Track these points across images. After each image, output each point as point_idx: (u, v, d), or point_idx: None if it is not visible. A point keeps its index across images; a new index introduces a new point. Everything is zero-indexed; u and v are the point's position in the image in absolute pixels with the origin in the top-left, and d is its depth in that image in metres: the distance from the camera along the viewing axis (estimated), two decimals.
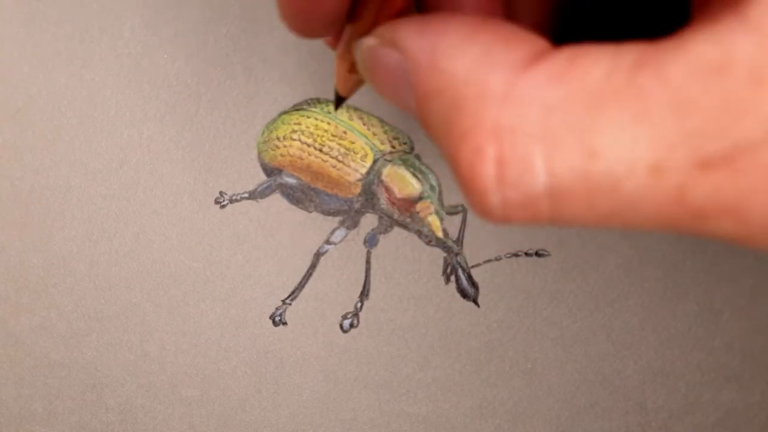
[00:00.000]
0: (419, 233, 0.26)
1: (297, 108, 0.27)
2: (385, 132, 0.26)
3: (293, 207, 0.27)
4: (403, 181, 0.26)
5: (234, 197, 0.27)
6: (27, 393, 0.27)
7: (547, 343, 0.26)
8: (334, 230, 0.27)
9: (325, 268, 0.27)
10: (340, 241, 0.26)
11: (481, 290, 0.26)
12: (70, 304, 0.27)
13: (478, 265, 0.26)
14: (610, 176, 0.10)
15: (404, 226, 0.26)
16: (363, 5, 0.14)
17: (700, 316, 0.26)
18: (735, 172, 0.10)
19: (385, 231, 0.26)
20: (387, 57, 0.13)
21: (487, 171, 0.11)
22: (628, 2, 0.17)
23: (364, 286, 0.26)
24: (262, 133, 0.27)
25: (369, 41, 0.14)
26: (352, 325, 0.26)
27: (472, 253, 0.26)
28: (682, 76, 0.10)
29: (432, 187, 0.26)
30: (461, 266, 0.26)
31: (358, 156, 0.26)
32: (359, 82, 0.16)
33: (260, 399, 0.26)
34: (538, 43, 0.12)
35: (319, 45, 0.26)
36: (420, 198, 0.26)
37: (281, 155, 0.26)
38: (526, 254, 0.26)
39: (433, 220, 0.26)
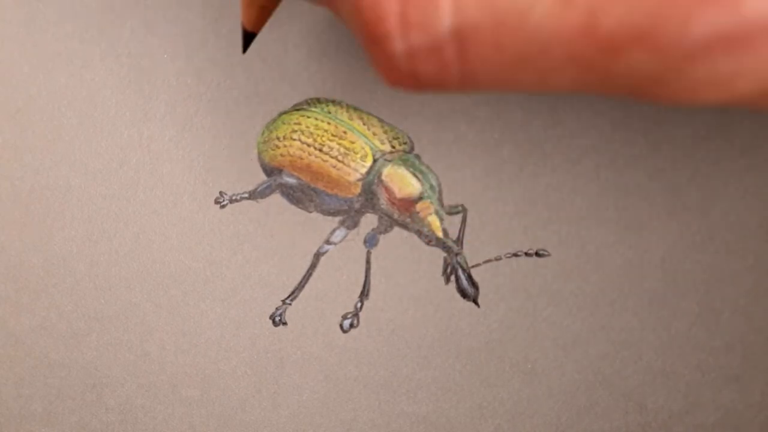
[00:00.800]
0: (419, 233, 0.26)
1: (297, 108, 0.27)
2: (385, 132, 0.26)
3: (293, 207, 0.27)
4: (403, 181, 0.26)
5: (234, 197, 0.27)
6: (27, 393, 0.27)
7: (547, 343, 0.26)
8: (334, 230, 0.27)
9: (325, 268, 0.27)
10: (340, 241, 0.26)
11: (481, 290, 0.26)
12: (70, 304, 0.27)
13: (478, 265, 0.26)
14: (517, 5, 0.10)
15: (404, 226, 0.26)
16: None
17: (700, 316, 0.26)
18: None
19: (385, 231, 0.26)
20: None
21: (390, 8, 0.10)
22: None
23: (364, 286, 0.26)
24: (262, 133, 0.27)
25: None
26: (352, 325, 0.26)
27: (472, 253, 0.26)
28: None
29: (432, 187, 0.26)
30: (461, 266, 0.26)
31: (358, 156, 0.26)
32: (264, 9, 0.15)
33: (260, 399, 0.26)
34: None
35: (319, 45, 0.26)
36: (420, 198, 0.26)
37: (281, 155, 0.26)
38: (526, 254, 0.26)
39: (433, 220, 0.26)
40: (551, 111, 0.26)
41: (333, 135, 0.26)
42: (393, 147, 0.26)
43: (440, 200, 0.26)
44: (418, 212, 0.26)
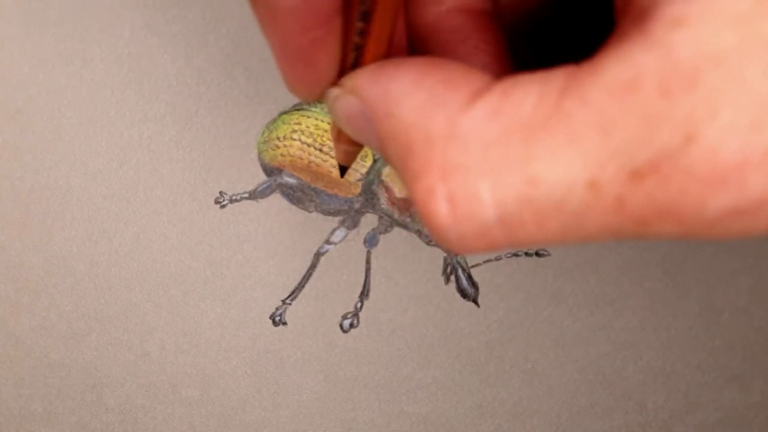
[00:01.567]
0: (419, 233, 0.26)
1: (297, 108, 0.27)
2: None
3: (293, 207, 0.27)
4: None
5: (234, 197, 0.27)
6: (27, 393, 0.27)
7: (547, 343, 0.26)
8: (334, 230, 0.27)
9: (325, 268, 0.27)
10: (340, 241, 0.27)
11: (481, 290, 0.26)
12: (70, 304, 0.27)
13: (478, 265, 0.26)
14: (553, 198, 0.11)
15: (404, 226, 0.26)
16: (348, 63, 0.14)
17: (700, 316, 0.26)
18: (663, 178, 0.10)
19: (385, 231, 0.26)
20: (350, 105, 0.14)
21: (440, 209, 0.12)
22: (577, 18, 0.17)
23: (364, 286, 0.26)
24: (262, 133, 0.27)
25: (334, 92, 0.14)
26: (352, 325, 0.26)
27: None
28: (600, 97, 0.11)
29: None
30: (461, 266, 0.26)
31: (358, 156, 0.26)
32: (354, 147, 0.17)
33: (260, 399, 0.26)
34: (479, 80, 0.12)
35: None
36: None
37: (281, 155, 0.26)
38: (526, 254, 0.26)
39: None
40: None
41: None
42: None
43: None
44: (418, 212, 0.26)
